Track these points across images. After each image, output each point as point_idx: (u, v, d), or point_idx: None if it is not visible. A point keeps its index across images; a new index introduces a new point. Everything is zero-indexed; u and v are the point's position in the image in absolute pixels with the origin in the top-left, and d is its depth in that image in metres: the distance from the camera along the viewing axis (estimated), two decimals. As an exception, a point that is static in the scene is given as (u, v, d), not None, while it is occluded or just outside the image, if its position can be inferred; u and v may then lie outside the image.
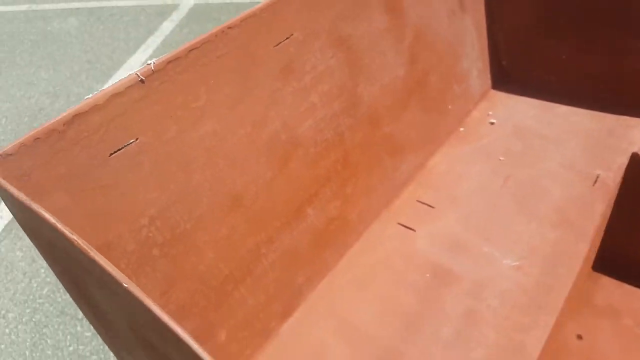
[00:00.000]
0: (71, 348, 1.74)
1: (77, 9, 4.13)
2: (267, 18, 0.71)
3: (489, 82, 1.14)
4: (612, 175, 0.92)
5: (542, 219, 0.85)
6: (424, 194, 0.92)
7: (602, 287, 1.03)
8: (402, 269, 0.78)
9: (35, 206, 0.45)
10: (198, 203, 0.67)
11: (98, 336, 1.79)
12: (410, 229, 0.85)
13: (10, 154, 0.53)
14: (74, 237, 0.43)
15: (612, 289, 1.03)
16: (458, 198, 0.90)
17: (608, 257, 1.05)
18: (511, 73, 1.13)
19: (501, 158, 0.98)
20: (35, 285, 1.97)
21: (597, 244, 1.03)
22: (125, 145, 0.62)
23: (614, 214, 1.00)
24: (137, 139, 0.62)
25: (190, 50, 0.65)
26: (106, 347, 1.72)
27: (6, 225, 2.24)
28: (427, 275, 0.76)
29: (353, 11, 0.83)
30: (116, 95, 0.60)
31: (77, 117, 0.57)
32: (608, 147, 0.95)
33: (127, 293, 0.40)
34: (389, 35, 0.89)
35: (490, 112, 1.08)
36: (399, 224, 0.87)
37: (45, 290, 1.94)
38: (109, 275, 0.41)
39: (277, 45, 0.73)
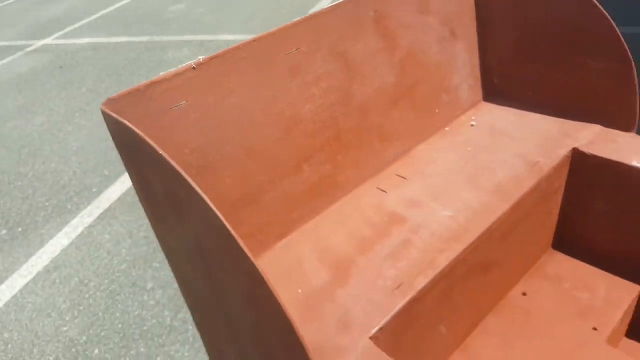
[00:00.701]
0: (136, 313, 1.99)
1: (190, 41, 4.73)
2: (281, 36, 0.98)
3: (480, 95, 1.30)
4: (550, 162, 1.06)
5: (483, 189, 1.03)
6: (402, 170, 1.11)
7: (556, 261, 1.18)
8: (369, 215, 0.98)
9: (134, 128, 0.70)
10: (224, 147, 0.92)
11: (159, 304, 2.04)
12: (384, 191, 1.04)
13: (114, 99, 0.81)
14: (156, 148, 0.66)
15: (563, 263, 1.17)
16: (426, 174, 1.10)
17: (564, 237, 1.20)
18: (501, 88, 1.29)
19: (469, 149, 1.15)
20: (116, 262, 2.28)
21: (554, 225, 1.18)
22: (179, 105, 0.89)
23: (565, 201, 1.14)
24: (187, 101, 0.90)
25: (227, 52, 0.94)
26: (165, 312, 1.96)
27: (101, 214, 2.62)
28: (386, 218, 0.95)
29: (351, 35, 1.06)
30: (177, 75, 0.89)
31: (152, 84, 0.86)
32: (557, 144, 1.11)
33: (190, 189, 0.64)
34: (381, 53, 1.11)
35: (474, 118, 1.24)
36: (378, 188, 1.05)
37: (124, 266, 2.24)
38: (178, 173, 0.63)
39: (287, 54, 0.99)
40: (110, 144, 3.27)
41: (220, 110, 0.93)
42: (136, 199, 2.67)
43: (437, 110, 1.20)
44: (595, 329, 1.02)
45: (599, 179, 1.09)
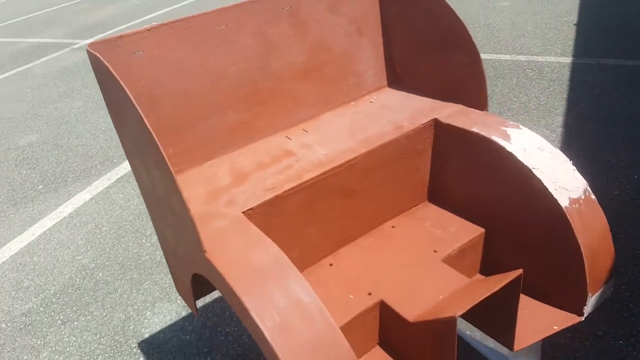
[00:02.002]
0: (135, 251, 2.51)
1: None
2: (214, 15, 1.38)
3: (385, 82, 1.74)
4: (411, 126, 1.45)
5: (355, 140, 1.42)
6: (307, 126, 1.53)
7: (427, 209, 1.57)
8: (273, 151, 1.42)
9: (106, 62, 1.17)
10: (166, 86, 1.33)
11: (153, 246, 2.55)
12: (289, 138, 1.49)
13: (95, 44, 1.26)
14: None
15: (432, 210, 1.55)
16: (323, 130, 1.49)
17: (434, 191, 1.58)
18: (401, 77, 1.72)
19: (359, 116, 1.56)
20: (125, 214, 2.82)
21: (425, 181, 1.57)
22: (136, 53, 1.31)
23: (432, 162, 1.54)
24: (142, 52, 1.31)
25: (173, 22, 1.34)
26: (157, 252, 2.47)
27: (117, 179, 3.18)
28: (282, 153, 1.40)
29: (269, 20, 1.47)
30: (136, 33, 1.30)
31: (120, 37, 1.28)
32: (423, 115, 1.50)
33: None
34: (293, 37, 1.52)
35: (375, 97, 1.68)
36: (286, 136, 1.51)
37: (130, 217, 2.78)
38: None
39: (217, 29, 1.39)
40: (134, 127, 3.86)
41: (164, 61, 1.34)
42: (148, 170, 3.23)
43: (343, 88, 1.64)
44: (435, 251, 1.45)
45: (452, 143, 1.46)
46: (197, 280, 1.36)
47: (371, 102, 1.66)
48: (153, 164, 1.12)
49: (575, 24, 4.45)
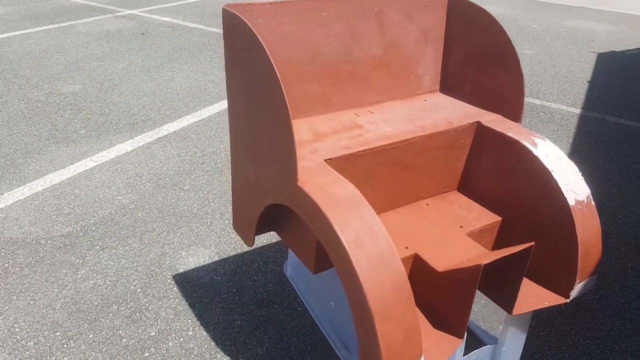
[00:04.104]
0: (173, 200, 2.76)
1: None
2: (321, 4, 1.72)
3: (438, 86, 2.06)
4: (458, 123, 1.73)
5: (414, 125, 1.69)
6: (373, 109, 1.84)
7: (456, 196, 1.85)
8: (344, 122, 1.72)
9: (243, 18, 1.45)
10: (273, 52, 1.66)
11: (190, 199, 2.80)
12: (357, 115, 1.80)
13: (229, 5, 1.57)
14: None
15: (460, 198, 1.83)
16: (386, 114, 1.77)
17: (465, 181, 1.86)
18: (452, 85, 2.04)
19: (416, 109, 1.86)
20: (165, 169, 3.06)
21: (459, 172, 1.85)
22: (258, 20, 1.59)
23: (468, 156, 1.81)
24: (262, 19, 1.62)
25: (288, 1, 1.67)
26: (193, 205, 2.72)
27: (159, 138, 3.42)
28: (352, 124, 1.70)
29: (359, 16, 1.75)
30: (260, 3, 1.65)
31: (248, 4, 1.60)
32: (469, 117, 1.78)
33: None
34: (375, 33, 1.80)
35: (428, 97, 2.00)
36: (354, 113, 1.81)
37: (170, 172, 3.03)
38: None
39: (321, 14, 1.70)
40: (175, 95, 4.11)
41: (277, 30, 1.61)
42: (188, 134, 3.48)
43: (405, 84, 1.96)
44: (461, 226, 1.75)
45: (488, 143, 1.75)
46: (261, 217, 1.64)
47: (425, 100, 1.97)
48: (270, 107, 1.40)
49: (588, 81, 4.85)
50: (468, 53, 1.95)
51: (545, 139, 1.76)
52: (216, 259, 2.36)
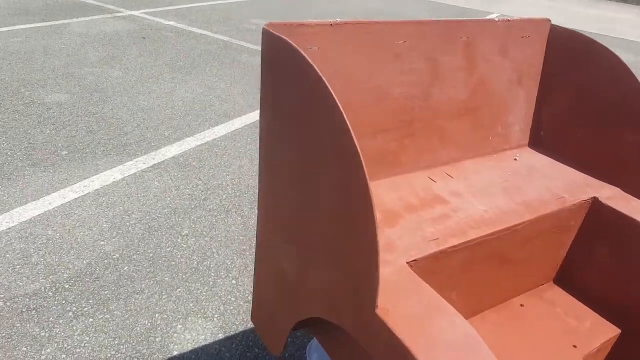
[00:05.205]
0: (168, 249, 2.24)
1: (263, 53, 5.15)
2: (394, 26, 1.22)
3: (527, 140, 1.56)
4: (572, 199, 1.29)
5: (514, 201, 1.27)
6: (451, 171, 1.37)
7: (553, 292, 1.41)
8: (418, 192, 1.26)
9: (295, 45, 0.95)
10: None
11: (190, 249, 2.27)
12: (433, 180, 1.33)
13: (273, 24, 1.05)
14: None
15: (559, 294, 1.40)
16: (470, 179, 1.34)
17: (566, 273, 1.41)
18: (545, 140, 1.55)
19: (509, 173, 1.39)
20: (159, 205, 2.54)
21: (560, 260, 1.39)
22: (312, 47, 1.12)
23: (575, 241, 1.35)
24: (318, 47, 1.13)
25: (354, 23, 1.16)
26: (193, 256, 2.20)
27: (154, 164, 2.91)
28: (431, 197, 1.24)
29: (443, 47, 1.30)
30: (318, 25, 1.10)
31: (300, 25, 1.08)
32: (581, 190, 1.34)
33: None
34: (461, 71, 1.36)
35: (518, 155, 1.50)
36: (428, 177, 1.33)
37: (165, 210, 2.50)
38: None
39: (395, 42, 1.22)
40: (175, 112, 3.60)
41: (335, 64, 1.16)
42: (189, 161, 2.97)
43: (490, 138, 1.47)
44: (575, 346, 1.25)
45: (609, 229, 1.30)
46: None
47: (515, 159, 1.48)
48: (335, 177, 0.89)
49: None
50: (574, 101, 1.47)
51: None
52: (220, 336, 1.83)
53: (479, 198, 1.24)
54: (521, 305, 1.32)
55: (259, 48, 5.24)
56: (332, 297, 0.98)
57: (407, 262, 0.98)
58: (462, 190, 1.28)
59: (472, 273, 1.15)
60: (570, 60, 1.46)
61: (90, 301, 1.94)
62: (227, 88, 4.11)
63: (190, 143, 3.20)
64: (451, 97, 1.36)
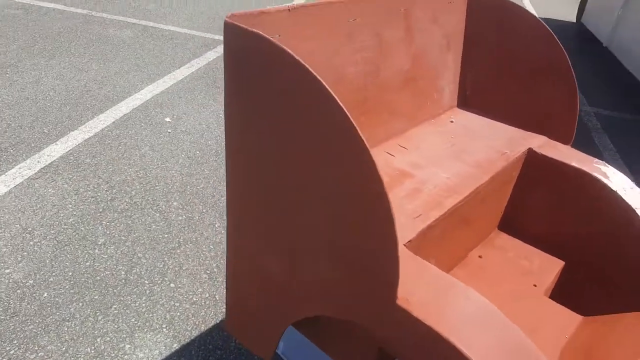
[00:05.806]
0: (87, 264, 2.03)
1: (133, 23, 4.69)
2: (347, 4, 1.18)
3: (455, 101, 1.66)
4: (513, 154, 1.39)
5: (466, 163, 1.34)
6: (403, 143, 1.40)
7: (500, 238, 1.53)
8: (383, 169, 1.28)
9: (268, 37, 0.84)
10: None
11: (112, 258, 2.09)
12: (392, 155, 1.34)
13: (235, 15, 0.94)
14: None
15: (506, 240, 1.52)
16: (422, 148, 1.38)
17: (509, 219, 1.53)
18: (471, 99, 1.66)
19: (451, 137, 1.46)
20: (62, 215, 2.27)
21: (502, 208, 1.51)
22: (274, 36, 1.05)
23: (514, 190, 1.48)
24: (279, 35, 1.06)
25: (310, 5, 1.11)
26: (118, 266, 2.02)
27: (42, 169, 2.57)
28: (397, 173, 1.27)
29: (386, 20, 1.31)
30: (278, 11, 1.02)
31: (261, 13, 0.99)
32: (517, 143, 1.45)
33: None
34: (402, 43, 1.38)
35: (452, 117, 1.59)
36: (386, 152, 1.34)
37: (71, 220, 2.25)
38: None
39: (348, 21, 1.19)
40: (48, 103, 3.18)
41: (297, 51, 1.11)
42: (81, 159, 2.66)
43: (428, 103, 1.51)
44: (535, 285, 1.38)
45: (542, 174, 1.42)
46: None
47: (451, 121, 1.54)
48: (331, 162, 0.86)
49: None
50: (496, 61, 1.55)
51: (608, 165, 1.44)
52: (176, 346, 1.74)
53: (438, 166, 1.29)
54: (480, 256, 1.43)
55: (127, 19, 4.77)
56: (337, 294, 0.96)
57: (404, 244, 1.00)
58: (419, 160, 1.31)
59: (446, 239, 1.21)
60: (491, 23, 1.53)
61: (15, 342, 1.71)
62: (101, 69, 3.71)
63: (76, 138, 2.87)
64: (396, 70, 1.37)
